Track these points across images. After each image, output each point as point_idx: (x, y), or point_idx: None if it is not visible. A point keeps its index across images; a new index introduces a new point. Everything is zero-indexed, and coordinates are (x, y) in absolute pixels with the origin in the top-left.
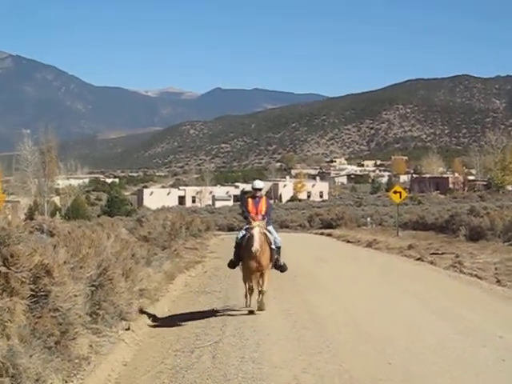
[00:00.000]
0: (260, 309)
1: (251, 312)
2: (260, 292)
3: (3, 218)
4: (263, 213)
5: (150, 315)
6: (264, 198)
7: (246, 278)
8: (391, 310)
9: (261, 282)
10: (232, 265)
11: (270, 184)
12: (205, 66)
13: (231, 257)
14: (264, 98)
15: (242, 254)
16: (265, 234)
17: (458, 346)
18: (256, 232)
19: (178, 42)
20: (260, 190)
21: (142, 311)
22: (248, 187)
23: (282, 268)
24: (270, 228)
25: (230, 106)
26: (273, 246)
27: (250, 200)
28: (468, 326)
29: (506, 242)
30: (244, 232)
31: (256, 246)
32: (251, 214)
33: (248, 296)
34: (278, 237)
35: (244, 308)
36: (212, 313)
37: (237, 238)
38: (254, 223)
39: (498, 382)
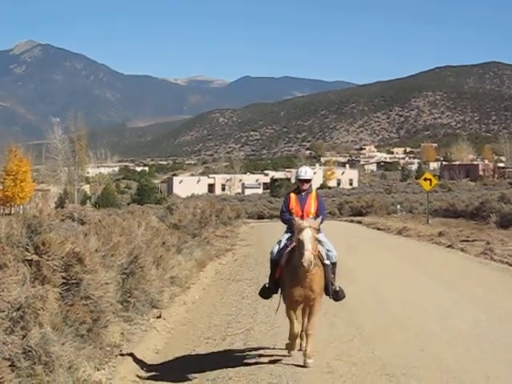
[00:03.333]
0: (306, 361)
1: (302, 366)
2: (305, 335)
3: (34, 206)
4: (312, 215)
5: (181, 303)
6: (314, 193)
7: (290, 311)
8: (422, 297)
9: (305, 322)
10: (266, 293)
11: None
12: (234, 54)
13: (262, 249)
14: (293, 86)
15: (283, 277)
16: (318, 241)
17: (491, 333)
18: (307, 236)
19: (207, 31)
20: (308, 181)
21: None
22: (278, 174)
23: (337, 295)
24: (322, 237)
25: (259, 94)
26: (326, 262)
27: (292, 196)
28: (500, 313)
29: None
30: (284, 242)
31: (308, 256)
32: (295, 216)
33: (294, 339)
34: (332, 248)
35: (286, 353)
36: (243, 300)
37: (272, 253)
38: (303, 223)
39: None
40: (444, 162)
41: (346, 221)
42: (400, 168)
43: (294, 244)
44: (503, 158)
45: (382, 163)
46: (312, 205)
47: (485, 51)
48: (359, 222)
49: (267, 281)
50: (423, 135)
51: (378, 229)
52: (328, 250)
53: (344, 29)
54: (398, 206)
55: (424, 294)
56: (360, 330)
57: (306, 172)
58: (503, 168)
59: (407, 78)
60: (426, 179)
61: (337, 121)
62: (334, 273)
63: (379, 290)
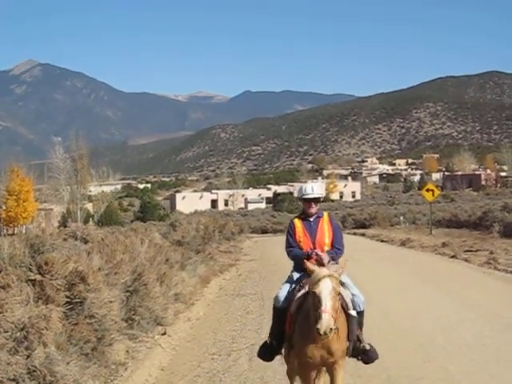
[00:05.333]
0: None
1: None
2: None
3: (37, 226)
4: (328, 247)
5: (185, 319)
6: (326, 216)
7: (302, 379)
8: (427, 308)
9: None
10: (268, 352)
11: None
12: (234, 69)
13: (266, 263)
14: (294, 100)
15: (292, 335)
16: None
17: (495, 342)
18: (326, 291)
19: (206, 46)
20: (317, 201)
21: (177, 316)
22: (281, 189)
23: (367, 356)
24: (344, 277)
25: (260, 109)
26: (352, 312)
27: (298, 224)
28: (504, 322)
29: None
30: (293, 286)
31: (327, 320)
32: (305, 251)
33: None
34: (358, 292)
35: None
36: (247, 315)
37: (276, 298)
38: (321, 271)
39: None
40: (446, 173)
41: (349, 233)
42: (402, 179)
43: (305, 289)
44: (505, 167)
45: (385, 175)
46: (326, 234)
47: (485, 61)
48: (363, 235)
49: (268, 337)
50: (425, 146)
51: (382, 241)
52: (353, 295)
53: (343, 41)
54: (401, 218)
55: (428, 304)
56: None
57: (313, 189)
58: (505, 177)
59: (408, 90)
60: (428, 190)
61: (338, 133)
62: (361, 325)
63: (384, 302)
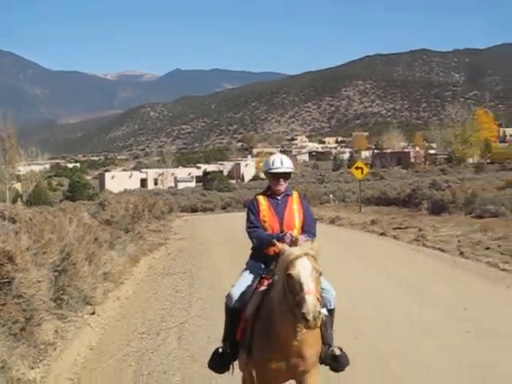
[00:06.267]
0: None
1: None
2: None
3: None
4: (297, 230)
5: (114, 298)
6: (295, 195)
7: None
8: (358, 285)
9: None
10: (221, 362)
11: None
12: (163, 47)
13: (195, 242)
14: (223, 78)
15: (251, 343)
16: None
17: (424, 319)
18: (305, 271)
19: (135, 25)
20: (287, 176)
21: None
22: (211, 167)
23: (337, 361)
24: None
25: (189, 87)
26: (322, 311)
27: (263, 201)
28: (433, 299)
29: (467, 215)
30: (251, 280)
31: (313, 303)
32: (272, 233)
33: None
34: (329, 287)
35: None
36: (177, 294)
37: (229, 296)
38: (295, 250)
39: (462, 353)
40: (375, 151)
41: None
42: (332, 157)
43: (268, 282)
44: (434, 145)
45: (314, 153)
46: (295, 215)
47: (414, 38)
48: None
49: (221, 345)
50: (354, 124)
51: None
52: (323, 289)
53: (271, 18)
54: (331, 196)
55: (359, 281)
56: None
57: (282, 162)
58: (434, 155)
59: (337, 68)
60: (357, 168)
61: (268, 112)
62: (331, 328)
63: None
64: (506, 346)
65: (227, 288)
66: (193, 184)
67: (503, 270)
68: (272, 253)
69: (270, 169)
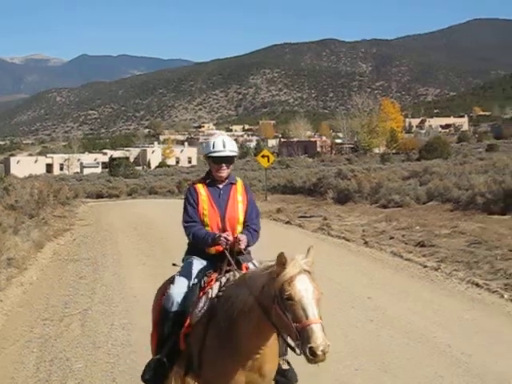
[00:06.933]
0: None
1: None
2: None
3: None
4: (240, 225)
5: (18, 284)
6: (239, 184)
7: None
8: None
9: None
10: (158, 375)
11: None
12: (72, 32)
13: (101, 228)
14: (131, 64)
15: (207, 350)
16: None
17: (328, 308)
18: (309, 293)
19: (43, 8)
20: (231, 161)
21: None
22: (117, 153)
23: (286, 376)
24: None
25: (97, 73)
26: None
27: (202, 190)
28: (337, 287)
29: (373, 204)
30: (194, 280)
31: (322, 335)
32: (212, 229)
33: None
34: None
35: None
36: (81, 280)
37: (168, 298)
38: (293, 265)
39: (366, 342)
40: (282, 139)
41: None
42: (239, 145)
43: (217, 283)
44: (340, 135)
45: None
46: (239, 208)
47: (322, 28)
48: None
49: (156, 356)
50: (261, 112)
51: None
52: None
53: (180, 5)
54: None
55: None
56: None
57: (224, 144)
58: (340, 144)
59: (245, 56)
60: (263, 156)
61: (175, 99)
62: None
63: None
64: (407, 336)
65: (131, 275)
66: (99, 170)
67: (407, 259)
68: (214, 252)
69: (211, 152)
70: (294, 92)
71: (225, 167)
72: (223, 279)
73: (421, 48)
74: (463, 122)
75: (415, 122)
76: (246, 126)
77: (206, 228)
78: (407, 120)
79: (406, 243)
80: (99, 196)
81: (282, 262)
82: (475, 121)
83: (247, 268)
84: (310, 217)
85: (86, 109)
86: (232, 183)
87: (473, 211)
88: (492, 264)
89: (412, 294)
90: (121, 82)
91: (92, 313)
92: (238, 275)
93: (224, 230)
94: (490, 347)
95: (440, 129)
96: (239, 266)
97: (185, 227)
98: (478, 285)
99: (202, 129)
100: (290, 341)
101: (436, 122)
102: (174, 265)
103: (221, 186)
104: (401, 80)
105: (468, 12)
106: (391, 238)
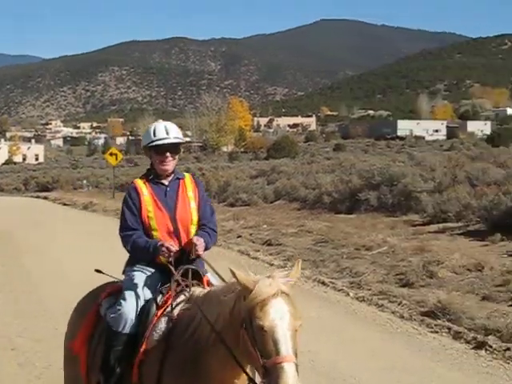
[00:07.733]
0: None
1: None
2: None
3: None
4: (194, 226)
5: None
6: (188, 178)
7: None
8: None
9: None
10: None
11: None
12: None
13: None
14: None
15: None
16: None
17: None
18: (283, 323)
19: None
20: (176, 150)
21: None
22: None
23: None
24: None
25: None
26: None
27: (144, 189)
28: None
29: (221, 203)
30: (148, 296)
31: (294, 377)
32: (160, 237)
33: None
34: None
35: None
36: None
37: (115, 318)
38: (266, 287)
39: None
40: (131, 137)
41: (31, 196)
42: (86, 143)
43: (175, 302)
44: (189, 133)
45: (69, 138)
46: (191, 206)
47: (172, 26)
48: (45, 198)
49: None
50: (110, 110)
51: (65, 204)
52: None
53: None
54: (84, 181)
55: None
56: (44, 306)
57: (167, 130)
58: (189, 143)
59: (93, 53)
60: (111, 154)
61: (22, 95)
62: None
63: (64, 264)
64: None
65: None
66: None
67: (254, 258)
68: (162, 260)
69: (153, 141)
70: (143, 90)
71: (170, 158)
72: (181, 297)
73: (269, 48)
74: (311, 122)
75: (263, 121)
76: (94, 124)
77: (154, 233)
78: (255, 119)
79: (254, 242)
80: None
81: (250, 280)
82: (323, 121)
83: (208, 282)
84: None
85: None
86: (179, 178)
87: (320, 210)
88: (338, 263)
89: None
90: None
91: None
92: (198, 292)
93: (176, 232)
94: (335, 345)
95: (288, 128)
96: (199, 278)
97: (121, 237)
98: (324, 283)
99: (50, 126)
100: (257, 377)
101: (284, 122)
102: (97, 271)
103: (166, 183)
104: (249, 79)
105: (316, 13)
106: (239, 236)
